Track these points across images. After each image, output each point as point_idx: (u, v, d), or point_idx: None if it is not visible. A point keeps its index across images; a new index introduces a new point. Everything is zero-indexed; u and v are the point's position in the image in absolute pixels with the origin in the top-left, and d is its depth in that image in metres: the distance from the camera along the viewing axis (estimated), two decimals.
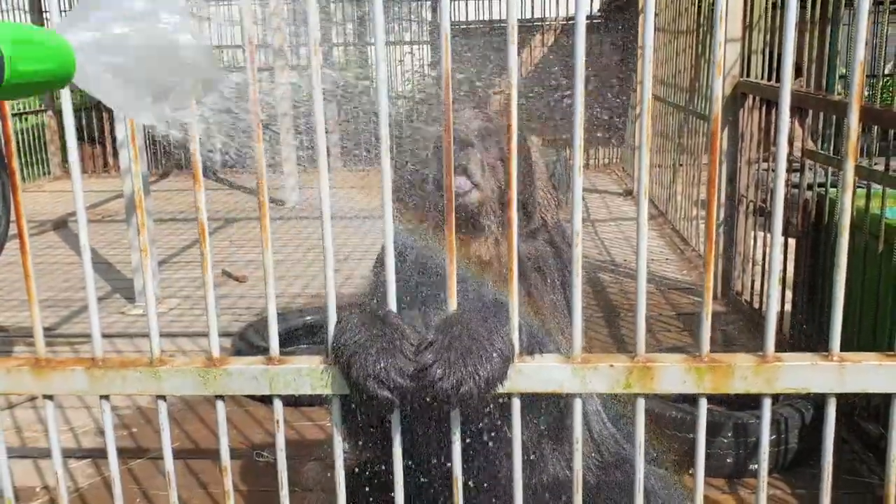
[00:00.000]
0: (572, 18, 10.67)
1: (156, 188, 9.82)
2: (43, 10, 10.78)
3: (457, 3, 11.48)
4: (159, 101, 1.11)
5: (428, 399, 1.43)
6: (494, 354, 1.42)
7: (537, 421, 1.71)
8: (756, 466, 2.59)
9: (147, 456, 3.35)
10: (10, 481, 1.73)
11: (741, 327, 4.53)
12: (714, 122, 1.43)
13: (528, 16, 10.93)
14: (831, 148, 3.82)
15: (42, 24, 10.86)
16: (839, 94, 3.92)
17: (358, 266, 5.70)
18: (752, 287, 4.56)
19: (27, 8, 10.83)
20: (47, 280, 5.91)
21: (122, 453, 3.13)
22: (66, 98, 1.54)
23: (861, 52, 1.38)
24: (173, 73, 1.11)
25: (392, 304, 1.52)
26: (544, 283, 1.86)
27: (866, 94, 4.49)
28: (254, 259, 6.44)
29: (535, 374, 1.50)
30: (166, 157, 11.31)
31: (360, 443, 1.75)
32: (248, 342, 4.01)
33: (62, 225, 7.90)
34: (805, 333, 3.68)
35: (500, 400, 1.51)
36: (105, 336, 1.65)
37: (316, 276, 5.87)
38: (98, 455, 3.35)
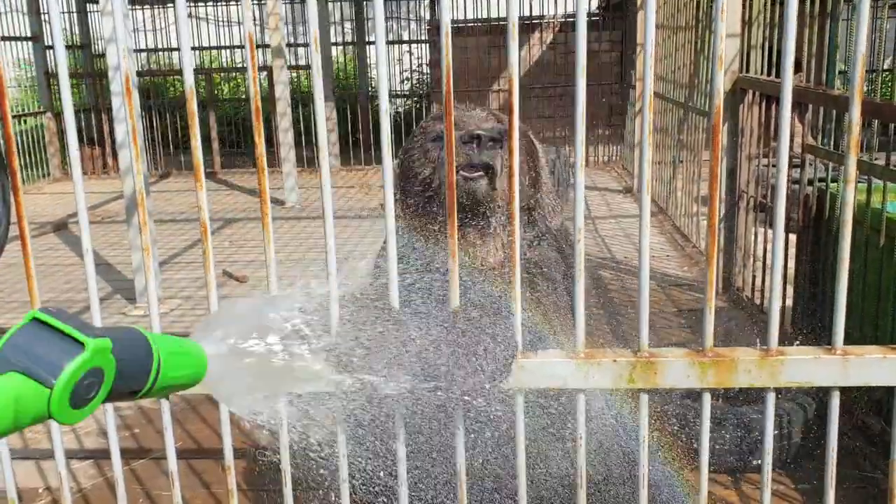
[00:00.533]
0: (571, 16, 10.68)
1: (155, 189, 9.82)
2: (41, 11, 10.77)
3: (455, 0, 11.48)
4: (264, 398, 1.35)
5: (432, 395, 1.43)
6: (499, 350, 1.42)
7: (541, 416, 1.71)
8: (759, 462, 2.58)
9: (149, 456, 3.35)
10: (13, 482, 1.73)
11: (742, 323, 4.53)
12: (716, 115, 1.43)
13: (527, 14, 10.92)
14: (831, 143, 3.82)
15: (40, 25, 10.85)
16: (839, 89, 3.92)
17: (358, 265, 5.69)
18: (753, 283, 4.56)
19: (25, 10, 10.82)
20: (48, 282, 5.91)
21: (125, 454, 3.12)
22: (66, 99, 1.54)
23: (863, 45, 1.38)
24: (284, 382, 1.36)
25: (394, 301, 1.52)
26: (550, 288, 1.86)
27: (866, 88, 4.48)
28: (254, 259, 6.44)
29: (538, 370, 1.50)
30: (166, 159, 11.32)
31: (364, 440, 1.75)
32: None
33: (62, 227, 7.90)
34: (806, 328, 3.68)
35: (504, 396, 1.52)
36: None
37: (317, 276, 5.86)
38: (100, 456, 3.35)
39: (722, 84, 1.43)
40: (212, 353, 1.20)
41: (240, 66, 13.68)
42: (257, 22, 12.27)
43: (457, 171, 1.71)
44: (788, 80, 1.43)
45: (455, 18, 11.27)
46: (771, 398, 1.52)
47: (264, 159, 1.50)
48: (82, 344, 0.95)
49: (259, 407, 1.35)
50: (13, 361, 0.92)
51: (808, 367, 1.48)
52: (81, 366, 0.94)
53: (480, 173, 1.77)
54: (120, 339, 1.01)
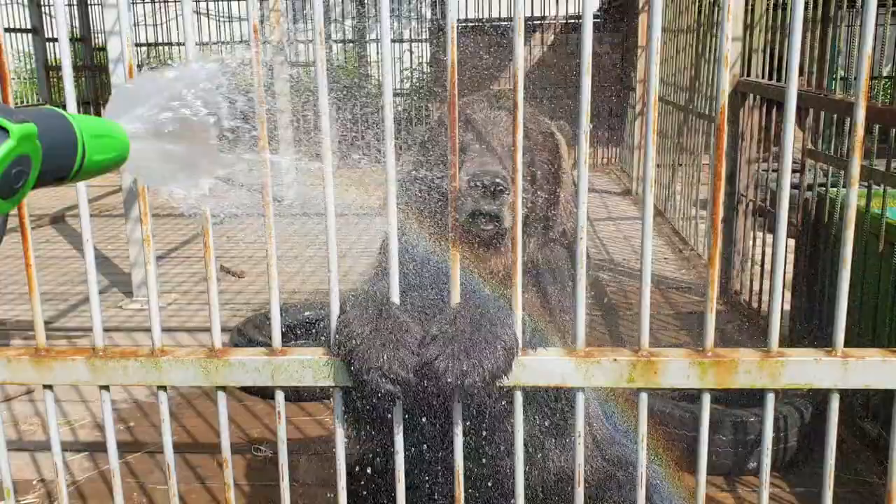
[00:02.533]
0: (573, 17, 10.61)
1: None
2: (42, 4, 10.74)
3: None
4: (188, 177, 1.24)
5: (432, 392, 1.42)
6: (499, 347, 1.42)
7: (539, 417, 1.70)
8: (755, 465, 2.58)
9: (144, 450, 3.34)
10: (9, 472, 1.72)
11: (739, 327, 4.53)
12: (720, 114, 1.43)
13: (528, 14, 10.92)
14: (831, 148, 3.82)
15: (40, 17, 10.83)
16: (839, 94, 3.92)
17: (356, 263, 5.69)
18: (751, 287, 4.56)
19: (26, 2, 10.78)
20: (44, 274, 5.89)
21: (120, 447, 3.12)
22: (69, 92, 1.53)
23: (868, 46, 1.38)
24: (201, 153, 1.22)
25: (395, 297, 1.51)
26: (558, 291, 1.85)
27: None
28: (251, 255, 6.43)
29: (538, 367, 1.49)
30: None
31: (362, 436, 1.75)
32: (246, 337, 4.00)
33: (58, 220, 7.89)
34: (804, 333, 3.68)
35: (503, 393, 1.51)
36: (103, 330, 1.64)
37: (315, 272, 5.87)
38: (95, 449, 3.34)
39: (727, 84, 1.43)
40: (132, 132, 1.12)
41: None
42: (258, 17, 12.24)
43: (468, 218, 1.70)
44: (794, 84, 1.42)
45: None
46: (771, 399, 1.52)
47: (267, 150, 1.50)
48: (6, 130, 0.89)
49: (182, 187, 1.25)
50: None
51: (808, 368, 1.48)
52: (7, 154, 0.88)
53: (491, 227, 1.73)
54: (44, 124, 0.94)
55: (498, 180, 1.69)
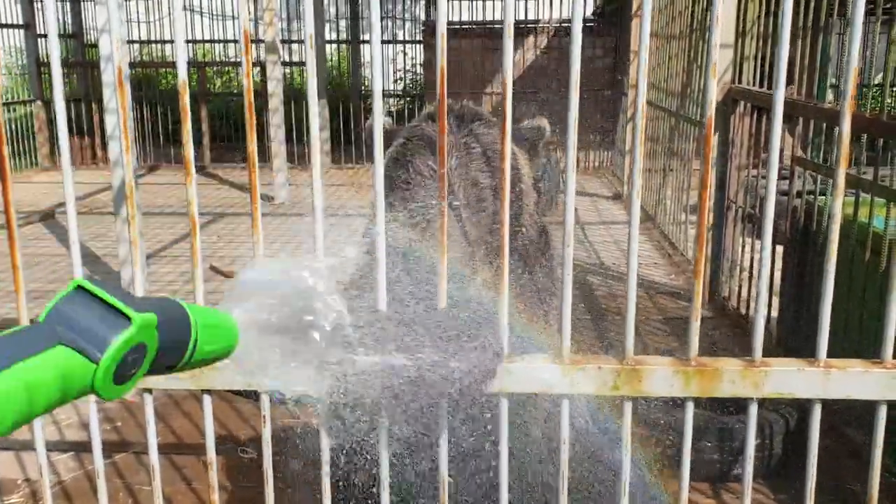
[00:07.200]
0: (566, 21, 10.62)
1: (144, 181, 9.78)
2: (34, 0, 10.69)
3: (451, 2, 11.48)
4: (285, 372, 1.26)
5: (417, 396, 1.42)
6: (485, 353, 1.42)
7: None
8: (739, 471, 2.58)
9: (130, 450, 3.33)
10: None
11: (727, 333, 4.55)
12: (708, 124, 1.44)
13: (521, 18, 10.94)
14: (820, 156, 3.84)
15: (32, 13, 10.78)
16: (829, 102, 3.94)
17: None
18: (739, 293, 4.58)
19: None
20: (33, 272, 5.87)
21: (106, 447, 3.11)
22: (57, 90, 1.52)
23: (855, 59, 1.39)
24: (309, 350, 1.25)
25: (382, 305, 1.51)
26: (533, 293, 1.86)
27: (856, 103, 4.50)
28: (242, 255, 6.42)
29: (523, 374, 1.50)
30: (155, 151, 11.26)
31: (347, 440, 1.74)
32: None
33: (49, 216, 7.85)
34: (791, 340, 3.70)
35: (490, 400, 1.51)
36: None
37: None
38: (81, 449, 3.33)
39: (715, 93, 1.43)
40: (242, 324, 1.16)
41: (233, 60, 13.63)
42: (251, 16, 12.23)
43: None
44: (781, 93, 1.43)
45: (450, 20, 11.27)
46: (753, 408, 1.53)
47: (255, 157, 1.50)
48: (128, 318, 0.92)
49: (289, 385, 1.29)
50: (60, 333, 0.90)
51: (790, 378, 1.49)
52: (127, 341, 0.92)
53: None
54: (163, 313, 0.98)
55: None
